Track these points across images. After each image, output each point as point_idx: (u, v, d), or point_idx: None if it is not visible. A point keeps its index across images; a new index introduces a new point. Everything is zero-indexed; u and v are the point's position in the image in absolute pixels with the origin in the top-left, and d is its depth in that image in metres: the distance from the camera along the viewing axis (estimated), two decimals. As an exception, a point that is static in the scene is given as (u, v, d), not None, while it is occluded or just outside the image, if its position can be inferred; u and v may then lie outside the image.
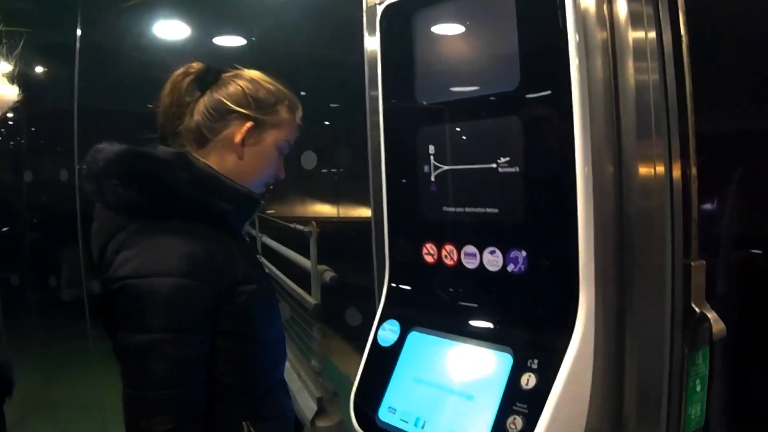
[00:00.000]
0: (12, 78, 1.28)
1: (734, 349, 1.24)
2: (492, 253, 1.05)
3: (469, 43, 1.11)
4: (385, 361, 1.15)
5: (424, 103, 1.15)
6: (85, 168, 1.20)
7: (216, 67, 1.27)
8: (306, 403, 2.75)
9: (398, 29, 1.18)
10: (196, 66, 1.26)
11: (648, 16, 0.97)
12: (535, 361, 0.96)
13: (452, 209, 1.11)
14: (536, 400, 0.93)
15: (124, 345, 1.10)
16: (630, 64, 0.96)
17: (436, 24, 1.12)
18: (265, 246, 3.23)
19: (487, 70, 1.08)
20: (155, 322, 1.08)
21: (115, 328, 1.12)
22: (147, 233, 1.15)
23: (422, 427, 1.04)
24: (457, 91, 1.11)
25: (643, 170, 0.96)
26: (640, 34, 0.96)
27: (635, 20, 0.97)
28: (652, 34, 0.96)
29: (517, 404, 0.94)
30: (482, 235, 1.06)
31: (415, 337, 1.14)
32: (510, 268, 1.02)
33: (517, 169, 1.00)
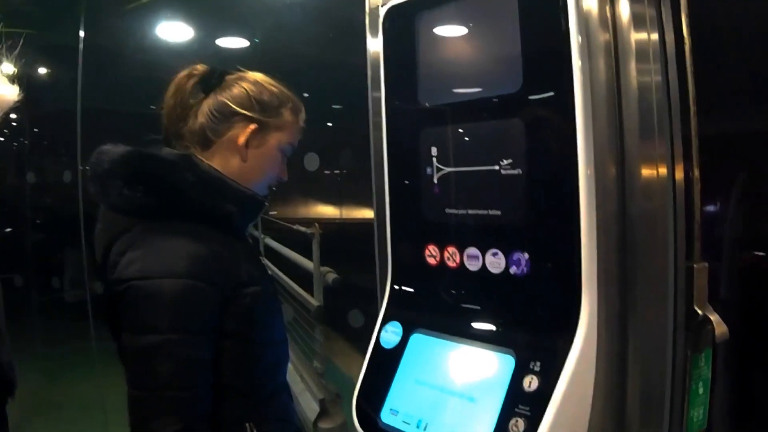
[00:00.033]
0: (12, 78, 1.29)
1: (737, 352, 1.24)
2: (494, 255, 1.05)
3: (472, 45, 1.11)
4: (387, 362, 1.14)
5: (427, 104, 1.15)
6: (89, 169, 1.21)
7: (220, 69, 1.28)
8: (309, 405, 2.75)
9: (401, 31, 1.18)
10: (200, 68, 1.27)
11: (651, 17, 0.97)
12: (538, 363, 0.96)
13: (455, 211, 1.11)
14: (538, 402, 0.93)
15: (130, 346, 1.10)
16: (633, 66, 0.96)
17: (438, 26, 1.13)
18: (267, 247, 3.23)
19: (489, 72, 1.08)
20: (162, 323, 1.08)
21: (121, 329, 1.12)
22: (152, 235, 1.15)
23: (424, 429, 1.04)
24: (460, 92, 1.11)
25: (646, 172, 0.96)
26: (642, 35, 0.96)
27: (638, 22, 0.96)
28: (655, 36, 0.96)
29: (520, 406, 0.94)
30: (485, 237, 1.06)
31: (417, 338, 1.14)
32: (512, 270, 1.02)
33: (520, 170, 1.00)
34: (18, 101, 1.28)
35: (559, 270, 0.97)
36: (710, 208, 1.32)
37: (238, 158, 1.24)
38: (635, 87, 0.96)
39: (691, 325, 0.98)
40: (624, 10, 0.97)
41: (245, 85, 1.25)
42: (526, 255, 1.00)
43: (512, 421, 0.94)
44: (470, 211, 1.08)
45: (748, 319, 1.28)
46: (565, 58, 0.94)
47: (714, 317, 0.98)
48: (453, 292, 1.12)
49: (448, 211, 1.12)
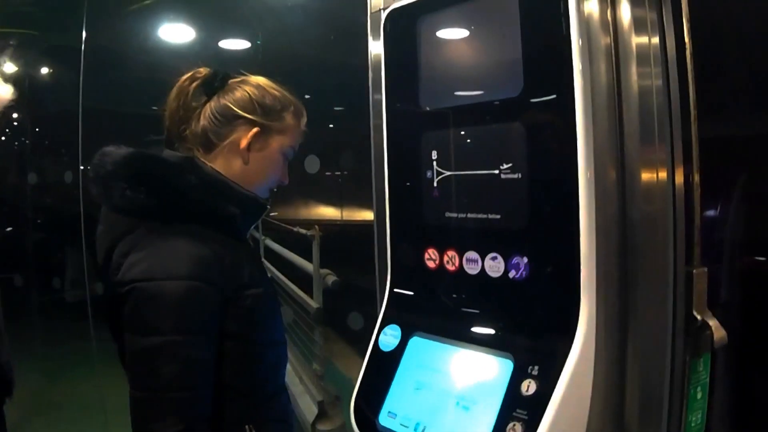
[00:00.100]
0: (6, 78, 1.30)
1: (736, 357, 1.23)
2: (494, 259, 1.05)
3: (473, 49, 1.11)
4: (385, 365, 1.14)
5: (428, 108, 1.15)
6: (91, 171, 1.21)
7: (222, 72, 1.28)
8: (307, 407, 2.75)
9: (402, 34, 1.18)
10: (203, 71, 1.27)
11: (651, 21, 0.97)
12: (536, 367, 0.96)
13: (454, 215, 1.11)
14: (536, 406, 0.93)
15: (133, 348, 1.11)
16: (633, 69, 0.96)
17: (440, 29, 1.13)
18: (267, 249, 3.23)
19: (490, 76, 1.08)
20: (165, 324, 1.08)
21: (123, 330, 1.13)
22: (155, 236, 1.15)
23: (423, 432, 1.04)
24: (461, 96, 1.11)
25: (646, 176, 0.96)
26: (643, 39, 0.97)
27: (639, 25, 0.97)
28: (656, 40, 0.97)
29: (517, 410, 0.94)
30: (484, 241, 1.06)
31: (416, 342, 1.14)
32: (512, 274, 1.02)
33: (520, 175, 1.00)
34: (12, 100, 1.29)
35: (558, 274, 0.97)
36: (710, 212, 1.32)
37: (240, 161, 1.24)
38: (636, 90, 0.96)
39: (690, 330, 0.98)
40: (625, 14, 0.97)
41: (248, 88, 1.26)
42: (525, 259, 1.00)
43: (510, 425, 0.94)
44: (470, 215, 1.08)
45: (748, 323, 1.28)
46: (566, 61, 0.94)
47: (713, 322, 0.98)
48: (452, 295, 1.12)
49: (447, 214, 1.12)
